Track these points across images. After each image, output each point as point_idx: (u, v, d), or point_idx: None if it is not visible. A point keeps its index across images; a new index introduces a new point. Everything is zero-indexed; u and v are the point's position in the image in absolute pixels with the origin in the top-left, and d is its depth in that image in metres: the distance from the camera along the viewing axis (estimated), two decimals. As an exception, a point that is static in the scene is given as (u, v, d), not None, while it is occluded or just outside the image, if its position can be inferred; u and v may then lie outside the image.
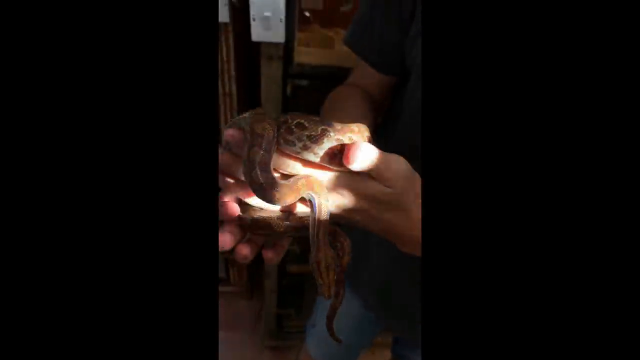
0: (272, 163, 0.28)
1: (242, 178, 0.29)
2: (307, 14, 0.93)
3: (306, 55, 0.92)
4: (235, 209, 0.30)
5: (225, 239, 0.30)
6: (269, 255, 0.32)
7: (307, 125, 0.28)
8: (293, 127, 0.28)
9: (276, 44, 0.80)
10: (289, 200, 0.28)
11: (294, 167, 0.30)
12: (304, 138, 0.28)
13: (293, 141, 0.28)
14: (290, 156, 0.30)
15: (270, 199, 0.28)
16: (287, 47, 0.84)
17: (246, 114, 0.30)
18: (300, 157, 0.29)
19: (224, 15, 0.86)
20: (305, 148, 0.28)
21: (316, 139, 0.28)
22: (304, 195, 0.29)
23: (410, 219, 0.31)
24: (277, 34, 0.78)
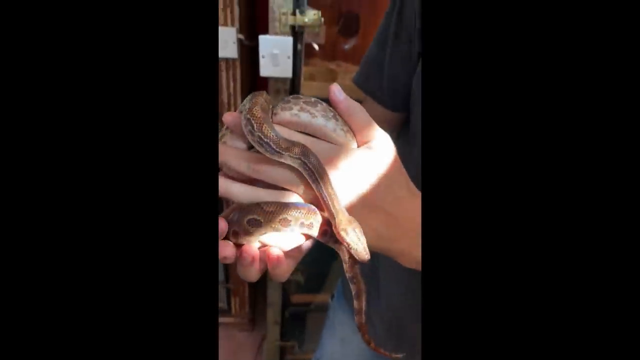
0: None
1: (234, 165, 0.29)
2: (316, 46, 0.98)
3: (311, 89, 0.95)
4: (224, 225, 0.29)
5: (227, 248, 0.28)
6: (274, 253, 0.29)
7: (302, 96, 0.31)
8: (290, 98, 0.31)
9: (283, 79, 0.83)
10: (295, 151, 0.28)
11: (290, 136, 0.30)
12: (301, 103, 0.30)
13: (290, 107, 0.30)
14: (283, 125, 0.30)
15: (278, 146, 0.28)
16: (294, 81, 0.87)
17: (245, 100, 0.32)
18: (297, 119, 0.30)
19: (232, 51, 0.90)
20: (302, 110, 0.30)
21: (313, 104, 0.30)
22: (296, 164, 0.28)
23: (397, 195, 0.30)
24: (284, 70, 0.81)
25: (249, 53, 0.99)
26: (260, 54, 0.80)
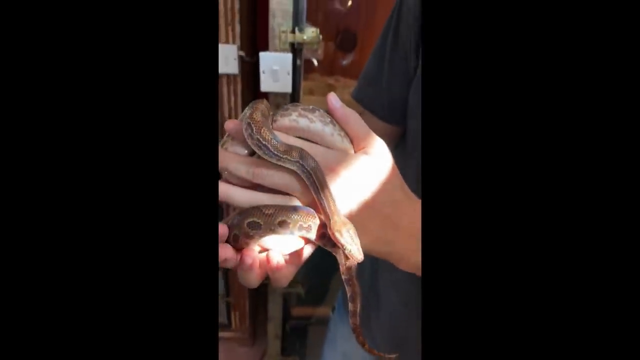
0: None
1: (234, 170, 0.30)
2: (315, 62, 1.00)
3: (310, 103, 0.97)
4: (224, 229, 0.29)
5: (227, 251, 0.28)
6: (274, 257, 0.29)
7: (300, 104, 0.32)
8: (289, 106, 0.32)
9: (283, 94, 0.85)
10: (293, 154, 0.29)
11: (288, 140, 0.31)
12: (299, 109, 0.32)
13: (289, 113, 0.32)
14: (282, 130, 0.31)
15: (276, 149, 0.29)
16: (294, 96, 0.89)
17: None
18: (295, 124, 0.31)
19: (233, 67, 0.92)
20: (301, 115, 0.31)
21: (311, 110, 0.32)
22: (294, 167, 0.29)
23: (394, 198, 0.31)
24: (284, 85, 0.83)
25: (250, 69, 1.02)
26: (261, 69, 0.82)
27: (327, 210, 0.29)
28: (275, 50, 0.81)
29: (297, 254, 0.31)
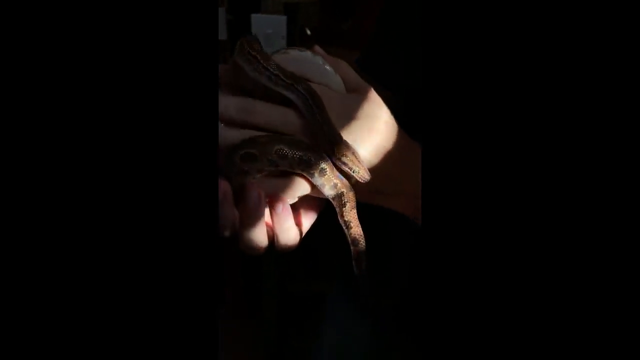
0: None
1: (223, 112, 0.28)
2: (309, 32, 0.94)
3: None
4: (225, 185, 0.26)
5: (222, 184, 0.25)
6: (279, 203, 0.27)
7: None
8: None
9: (277, 61, 0.80)
10: (286, 73, 0.28)
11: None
12: (288, 48, 0.32)
13: (278, 50, 0.32)
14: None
15: (267, 62, 0.27)
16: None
17: None
18: (285, 55, 0.31)
19: (221, 33, 0.86)
20: (290, 48, 0.32)
21: (299, 47, 0.32)
22: (287, 92, 0.28)
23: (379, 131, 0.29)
24: (278, 51, 0.78)
25: (240, 34, 0.95)
26: (253, 33, 0.76)
27: (329, 135, 0.27)
28: (268, 12, 0.74)
29: (307, 204, 0.30)
